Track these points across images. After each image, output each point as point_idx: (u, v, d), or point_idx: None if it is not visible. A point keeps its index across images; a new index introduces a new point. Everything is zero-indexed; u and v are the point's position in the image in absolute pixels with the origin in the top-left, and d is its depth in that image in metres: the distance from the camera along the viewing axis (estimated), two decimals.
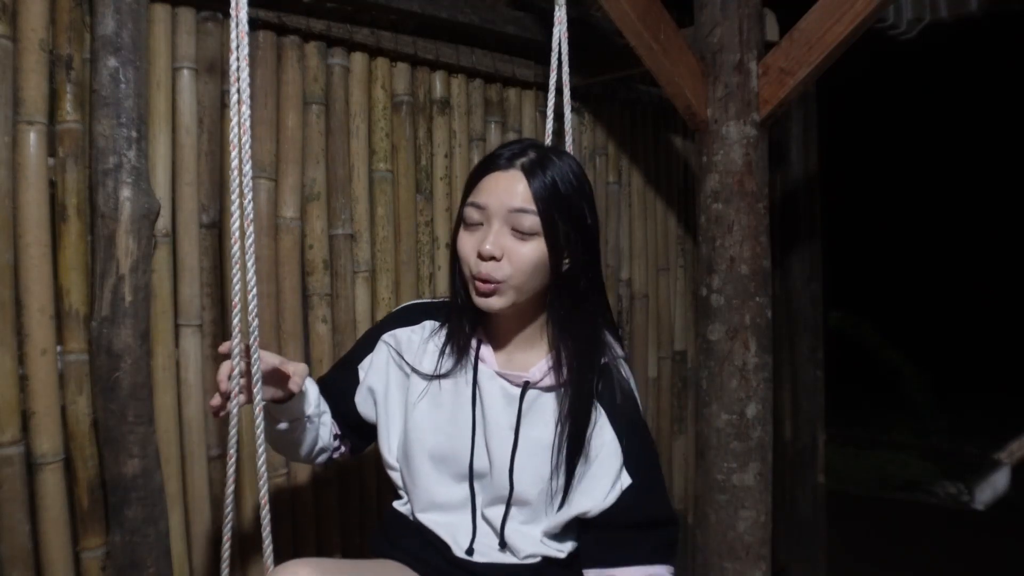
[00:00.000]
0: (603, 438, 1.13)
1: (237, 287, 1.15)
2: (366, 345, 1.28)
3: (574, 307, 1.14)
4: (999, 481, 4.36)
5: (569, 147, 1.48)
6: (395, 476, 1.25)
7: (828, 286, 2.93)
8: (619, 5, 1.65)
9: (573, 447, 1.11)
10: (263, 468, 1.12)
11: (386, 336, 1.26)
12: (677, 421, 2.57)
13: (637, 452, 1.14)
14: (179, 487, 1.51)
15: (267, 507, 1.13)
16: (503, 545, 1.16)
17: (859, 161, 6.72)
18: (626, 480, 1.12)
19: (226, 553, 1.17)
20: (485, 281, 1.08)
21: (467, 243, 1.11)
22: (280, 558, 1.14)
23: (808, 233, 2.85)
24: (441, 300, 1.31)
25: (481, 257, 1.08)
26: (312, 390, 1.22)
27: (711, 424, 1.83)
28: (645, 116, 2.50)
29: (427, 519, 1.19)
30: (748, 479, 1.79)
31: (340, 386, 1.28)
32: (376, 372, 1.25)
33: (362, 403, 1.27)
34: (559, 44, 1.44)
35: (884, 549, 3.32)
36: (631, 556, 1.11)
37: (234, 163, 1.09)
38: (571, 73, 1.46)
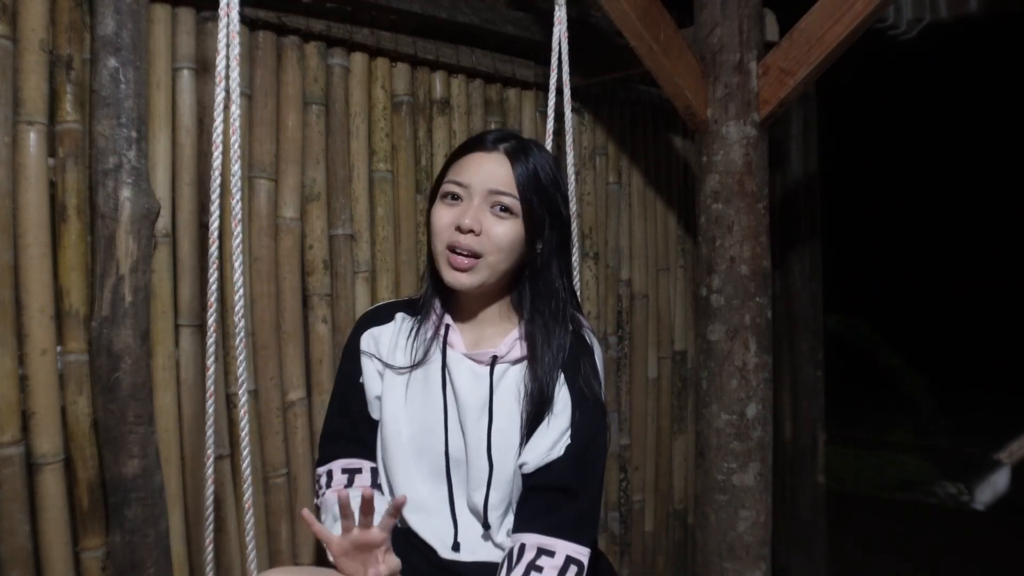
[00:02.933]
0: (560, 403, 1.13)
1: (214, 287, 1.13)
2: (352, 358, 1.26)
3: (545, 290, 1.16)
4: (999, 481, 4.36)
5: (569, 147, 1.48)
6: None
7: (827, 287, 2.93)
8: (619, 5, 1.65)
9: (536, 416, 1.13)
10: (247, 472, 1.13)
11: (365, 340, 1.25)
12: (677, 421, 2.57)
13: (585, 422, 1.13)
14: (179, 487, 1.51)
15: (251, 511, 1.13)
16: (486, 527, 1.15)
17: (859, 161, 6.71)
18: (566, 442, 1.11)
19: (209, 556, 1.17)
20: (461, 254, 1.10)
21: (444, 216, 1.13)
22: (276, 561, 1.14)
23: (808, 233, 2.85)
24: (410, 297, 1.32)
25: (460, 230, 1.10)
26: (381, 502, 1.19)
27: (711, 424, 1.83)
28: (645, 116, 2.50)
29: (411, 519, 1.18)
30: (748, 479, 1.79)
31: (361, 410, 1.25)
32: (371, 381, 1.24)
33: (375, 412, 1.25)
34: (559, 44, 1.44)
35: (884, 549, 3.31)
36: (555, 527, 1.08)
37: (216, 163, 1.09)
38: (571, 73, 1.46)
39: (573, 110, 1.47)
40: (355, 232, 1.81)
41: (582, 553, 1.07)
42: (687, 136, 2.61)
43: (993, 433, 4.80)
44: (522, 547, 1.07)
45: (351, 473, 1.24)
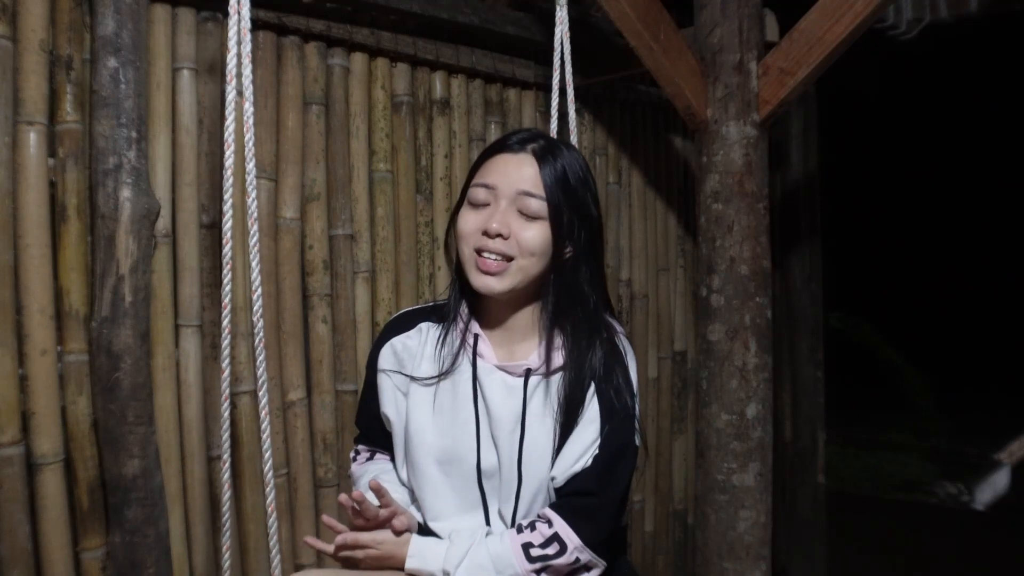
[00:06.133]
0: (589, 414, 1.12)
1: (228, 288, 1.13)
2: (371, 370, 1.26)
3: (574, 295, 1.13)
4: (999, 481, 4.36)
5: None
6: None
7: (828, 287, 2.93)
8: (619, 5, 1.65)
9: (567, 427, 1.11)
10: (270, 474, 1.12)
11: (384, 356, 1.23)
12: (677, 421, 2.57)
13: (614, 434, 1.12)
14: (179, 487, 1.51)
15: (273, 515, 1.13)
16: None
17: (859, 161, 6.72)
18: (594, 452, 1.11)
19: (227, 564, 1.17)
20: (490, 258, 1.08)
21: (471, 221, 1.10)
22: (282, 561, 1.14)
23: (808, 233, 2.85)
24: (435, 303, 1.29)
25: (488, 234, 1.07)
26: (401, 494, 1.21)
27: (711, 424, 1.83)
28: (645, 116, 2.50)
29: (438, 527, 1.16)
30: (748, 479, 1.79)
31: (382, 432, 1.27)
32: (384, 398, 1.22)
33: (386, 426, 1.25)
34: (561, 44, 1.44)
35: (884, 549, 3.32)
36: (561, 506, 1.10)
37: (228, 161, 1.08)
38: (572, 73, 1.45)
39: (574, 110, 1.47)
40: (355, 232, 1.81)
41: (572, 539, 1.07)
42: (687, 136, 2.61)
43: (993, 433, 4.81)
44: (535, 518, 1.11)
45: (373, 452, 1.30)
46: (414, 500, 1.21)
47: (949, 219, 7.06)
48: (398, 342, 1.22)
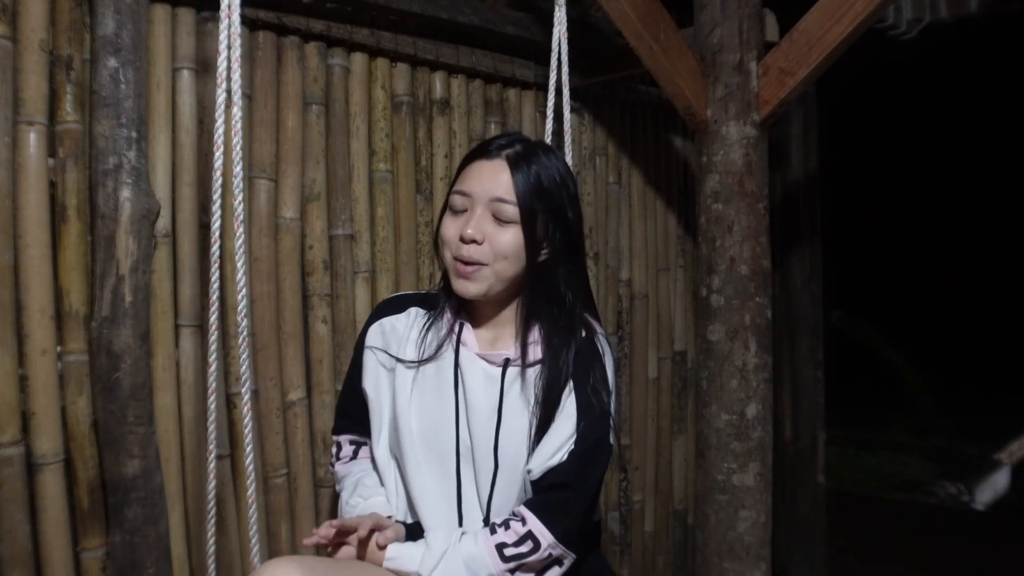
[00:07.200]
0: (566, 410, 1.16)
1: (216, 287, 1.13)
2: (359, 349, 1.30)
3: (550, 294, 1.18)
4: (999, 481, 4.36)
5: (569, 147, 1.48)
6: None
7: (828, 286, 2.93)
8: (619, 5, 1.65)
9: (544, 422, 1.16)
10: (251, 468, 1.13)
11: (372, 333, 1.28)
12: (677, 421, 2.57)
13: (590, 430, 1.15)
14: (179, 487, 1.51)
15: (254, 506, 1.14)
16: (487, 523, 1.18)
17: (859, 161, 6.72)
18: (570, 447, 1.14)
19: (211, 553, 1.17)
20: (466, 263, 1.14)
21: (451, 227, 1.16)
22: (272, 556, 1.14)
23: (808, 233, 2.85)
24: (428, 292, 1.34)
25: (463, 240, 1.14)
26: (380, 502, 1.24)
27: (711, 424, 1.83)
28: (645, 116, 2.50)
29: (421, 511, 1.20)
30: (748, 479, 1.79)
31: (363, 396, 1.29)
32: (368, 378, 1.27)
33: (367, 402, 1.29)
34: (559, 44, 1.44)
35: (884, 549, 3.31)
36: (534, 503, 1.13)
37: (218, 163, 1.09)
38: (571, 73, 1.46)
39: (573, 110, 1.47)
40: (355, 232, 1.81)
41: (545, 536, 1.10)
42: (687, 136, 2.61)
43: (993, 433, 4.81)
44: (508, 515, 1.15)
45: (357, 445, 1.34)
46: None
47: (949, 219, 7.06)
48: (387, 322, 1.28)
